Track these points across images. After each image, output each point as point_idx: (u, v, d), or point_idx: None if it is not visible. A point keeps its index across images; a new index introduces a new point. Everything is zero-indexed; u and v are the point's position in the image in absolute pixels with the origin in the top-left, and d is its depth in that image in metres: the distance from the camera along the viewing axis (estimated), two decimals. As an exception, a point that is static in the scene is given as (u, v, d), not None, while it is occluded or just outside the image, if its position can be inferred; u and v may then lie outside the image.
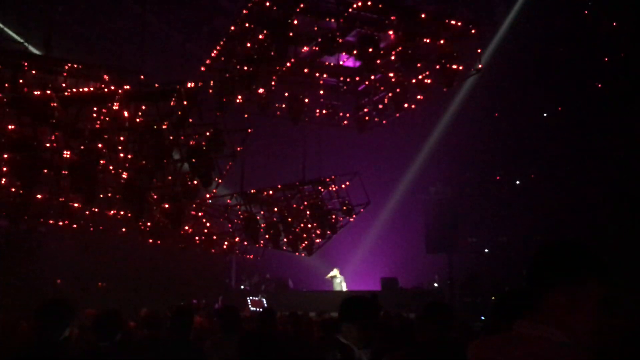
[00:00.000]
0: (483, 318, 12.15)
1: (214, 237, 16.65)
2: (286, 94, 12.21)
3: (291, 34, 9.57)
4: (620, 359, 2.79)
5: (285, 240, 15.57)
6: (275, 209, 15.70)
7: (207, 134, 10.17)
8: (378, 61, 10.67)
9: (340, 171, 15.11)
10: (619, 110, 15.00)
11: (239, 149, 11.23)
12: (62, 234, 15.52)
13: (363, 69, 11.55)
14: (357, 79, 12.72)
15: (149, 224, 14.04)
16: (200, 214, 15.62)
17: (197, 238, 16.46)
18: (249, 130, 11.15)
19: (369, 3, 9.80)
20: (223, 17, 14.72)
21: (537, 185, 18.18)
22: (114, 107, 9.88)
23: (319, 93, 12.87)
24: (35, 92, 9.45)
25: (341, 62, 11.69)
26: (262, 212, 15.85)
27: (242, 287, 19.83)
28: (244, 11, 10.06)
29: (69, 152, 9.89)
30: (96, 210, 13.15)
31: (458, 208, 18.01)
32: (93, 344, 4.40)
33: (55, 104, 9.45)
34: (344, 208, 14.59)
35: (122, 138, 10.44)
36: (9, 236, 16.40)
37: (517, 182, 19.26)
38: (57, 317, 3.72)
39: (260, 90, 11.81)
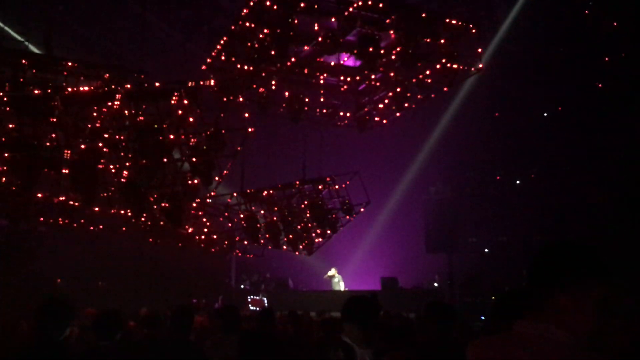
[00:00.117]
0: (483, 318, 12.17)
1: (214, 237, 16.64)
2: (286, 94, 12.21)
3: (292, 34, 9.56)
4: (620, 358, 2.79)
5: (285, 239, 15.57)
6: (276, 209, 15.70)
7: (208, 133, 10.17)
8: (379, 60, 10.68)
9: (341, 171, 15.11)
10: (619, 110, 14.99)
11: (239, 148, 11.23)
12: (62, 233, 15.50)
13: (364, 68, 11.54)
14: (358, 78, 12.72)
15: (149, 223, 14.04)
16: (200, 213, 15.61)
17: (197, 237, 16.46)
18: (250, 130, 11.15)
19: (370, 2, 9.81)
20: (223, 17, 14.73)
21: (537, 185, 18.19)
22: (115, 106, 9.88)
23: (319, 92, 12.86)
24: (36, 91, 9.45)
25: (342, 62, 11.68)
26: (262, 212, 15.85)
27: (242, 286, 19.84)
28: (245, 10, 10.05)
29: (69, 152, 9.89)
30: (97, 209, 13.15)
31: (458, 208, 18.00)
32: (93, 343, 4.40)
33: (55, 103, 9.45)
34: (344, 207, 14.59)
35: (122, 137, 10.43)
36: (9, 236, 16.40)
37: (517, 182, 19.26)
38: (57, 317, 3.72)
39: (261, 90, 11.80)
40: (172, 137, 10.41)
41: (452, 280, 16.80)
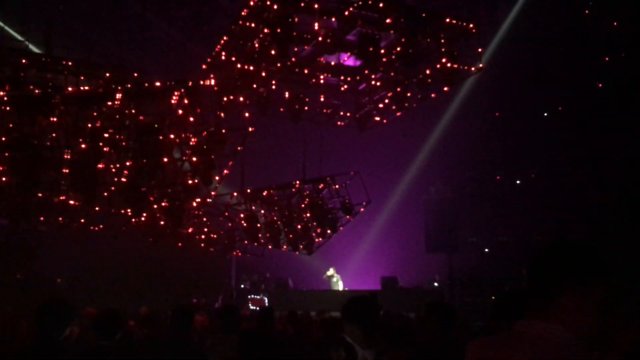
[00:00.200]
0: (483, 318, 12.16)
1: (214, 237, 16.64)
2: (286, 94, 12.20)
3: (292, 33, 9.56)
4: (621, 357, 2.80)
5: (285, 239, 15.57)
6: (276, 208, 15.70)
7: (208, 133, 10.16)
8: (379, 60, 10.68)
9: (341, 171, 15.11)
10: (619, 110, 15.00)
11: (239, 148, 11.23)
12: (62, 233, 15.51)
13: (364, 68, 11.54)
14: (358, 78, 12.72)
15: (149, 223, 14.03)
16: (200, 212, 15.62)
17: (197, 237, 16.46)
18: (250, 130, 11.14)
19: (370, 2, 9.80)
20: (223, 16, 14.73)
21: (537, 185, 18.19)
22: (115, 106, 9.89)
23: (319, 92, 12.86)
24: (36, 91, 9.45)
25: (342, 62, 11.68)
26: (262, 212, 15.85)
27: (242, 286, 19.84)
28: (245, 10, 10.06)
29: (69, 151, 9.90)
30: (98, 209, 13.16)
31: (458, 208, 18.00)
32: (93, 343, 4.40)
33: (55, 102, 9.46)
34: (344, 207, 14.59)
35: (122, 137, 10.44)
36: (9, 235, 16.41)
37: (518, 182, 19.26)
38: (57, 317, 3.72)
39: (261, 90, 11.80)
40: (172, 136, 10.42)
41: (452, 280, 16.80)
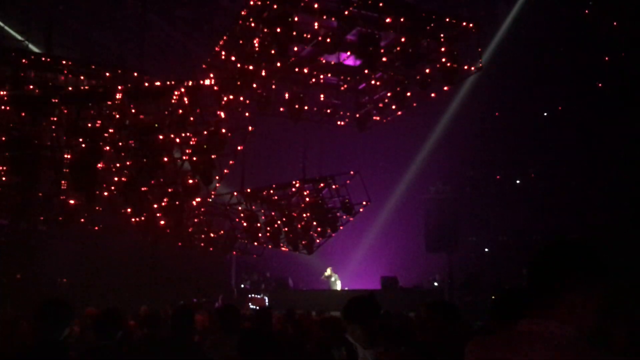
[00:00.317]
0: (483, 317, 12.15)
1: (214, 236, 16.64)
2: (286, 94, 12.20)
3: (292, 33, 9.56)
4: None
5: (285, 239, 15.57)
6: (276, 208, 15.70)
7: (208, 132, 10.16)
8: (379, 60, 10.67)
9: (340, 170, 15.11)
10: (619, 110, 15.00)
11: (239, 148, 11.23)
12: (62, 232, 15.51)
13: (364, 67, 11.54)
14: (358, 77, 12.71)
15: (149, 222, 14.03)
16: (200, 212, 15.62)
17: (197, 237, 16.46)
18: (250, 129, 11.15)
19: (370, 2, 9.80)
20: (223, 16, 14.73)
21: (537, 184, 18.19)
22: (115, 105, 9.88)
23: (319, 92, 12.85)
24: (36, 91, 9.45)
25: (342, 61, 11.67)
26: (262, 211, 15.85)
27: (243, 285, 19.84)
28: (245, 10, 10.05)
29: (69, 151, 9.90)
30: (99, 208, 13.16)
31: (458, 207, 18.00)
32: (93, 343, 4.40)
33: (55, 102, 9.46)
34: (344, 207, 14.59)
35: (122, 137, 10.44)
36: (10, 235, 16.40)
37: (518, 182, 19.26)
38: (57, 317, 3.71)
39: (260, 90, 11.80)
40: (172, 136, 10.42)
41: (452, 279, 16.80)
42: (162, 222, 13.33)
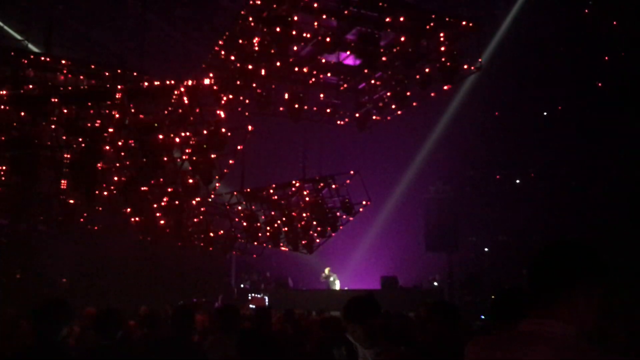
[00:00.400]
0: (483, 317, 12.16)
1: (214, 236, 16.64)
2: (286, 94, 12.19)
3: (292, 32, 9.56)
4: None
5: (285, 238, 15.57)
6: (276, 208, 15.70)
7: (208, 132, 10.16)
8: (378, 60, 10.68)
9: (340, 170, 15.11)
10: (619, 110, 15.00)
11: (239, 147, 11.22)
12: (62, 232, 15.51)
13: (364, 67, 11.54)
14: (358, 77, 12.71)
15: (149, 222, 14.03)
16: (202, 209, 15.61)
17: (197, 236, 16.45)
18: (250, 129, 11.14)
19: (369, 1, 9.80)
20: (223, 16, 14.73)
21: (537, 184, 18.19)
22: (115, 105, 9.88)
23: (319, 92, 12.85)
24: (36, 90, 9.45)
25: (341, 61, 11.67)
26: (262, 211, 15.85)
27: (242, 285, 19.84)
28: (244, 10, 10.05)
29: (69, 151, 9.90)
30: (99, 208, 13.15)
31: (458, 207, 18.01)
32: (93, 343, 4.41)
33: (55, 101, 9.46)
34: (344, 206, 14.59)
35: (122, 136, 10.43)
36: (10, 235, 16.40)
37: (518, 181, 19.26)
38: (56, 317, 3.72)
39: (260, 90, 11.79)
40: (172, 136, 10.41)
41: (452, 279, 16.81)
42: (162, 222, 13.33)
